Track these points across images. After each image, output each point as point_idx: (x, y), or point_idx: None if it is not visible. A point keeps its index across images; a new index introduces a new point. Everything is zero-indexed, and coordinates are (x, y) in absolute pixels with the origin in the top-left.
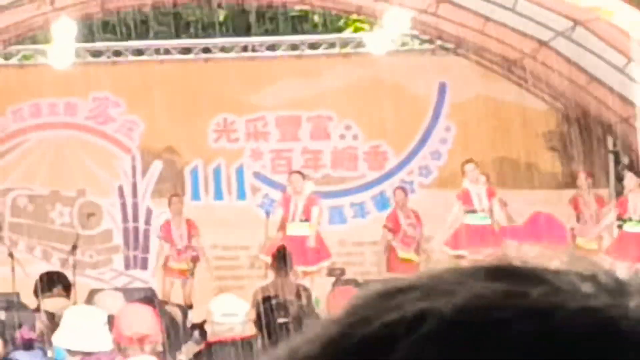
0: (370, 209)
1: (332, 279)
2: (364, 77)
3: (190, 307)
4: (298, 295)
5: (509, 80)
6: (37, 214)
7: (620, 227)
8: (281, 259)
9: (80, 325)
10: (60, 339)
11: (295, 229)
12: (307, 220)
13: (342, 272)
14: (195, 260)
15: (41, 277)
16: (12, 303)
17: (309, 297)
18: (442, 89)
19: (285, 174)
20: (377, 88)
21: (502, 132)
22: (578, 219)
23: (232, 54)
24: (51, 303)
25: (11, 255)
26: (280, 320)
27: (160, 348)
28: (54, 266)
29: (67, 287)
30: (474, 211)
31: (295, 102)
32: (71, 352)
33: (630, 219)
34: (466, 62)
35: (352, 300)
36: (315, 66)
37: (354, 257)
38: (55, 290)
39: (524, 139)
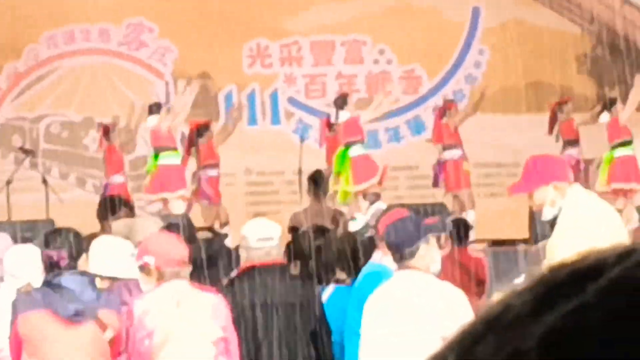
0: (405, 133)
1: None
2: (398, 1)
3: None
4: (334, 220)
5: (542, 4)
6: (71, 140)
7: None
8: (316, 183)
9: (108, 253)
10: (91, 265)
11: None
12: None
13: (377, 196)
14: None
15: (103, 201)
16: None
17: (345, 222)
18: (475, 12)
19: (320, 98)
20: (411, 12)
21: (535, 56)
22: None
23: None
24: (118, 225)
25: (45, 181)
26: (316, 244)
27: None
28: (89, 193)
29: (131, 208)
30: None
31: (329, 27)
32: (102, 278)
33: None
34: None
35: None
36: None
37: (389, 182)
38: (122, 212)
39: (557, 62)
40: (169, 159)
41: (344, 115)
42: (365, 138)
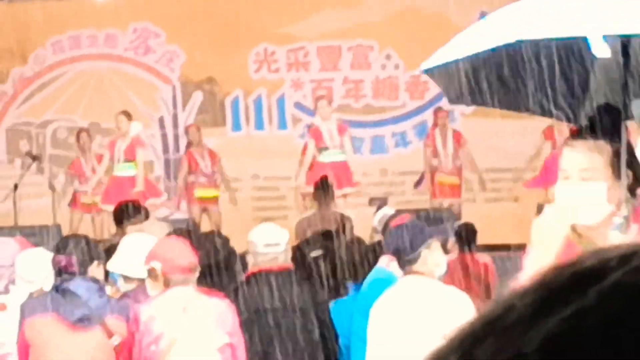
0: (411, 138)
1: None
2: (404, 6)
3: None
4: (341, 225)
5: None
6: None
7: None
8: (323, 189)
9: (137, 252)
10: (117, 265)
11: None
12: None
13: (384, 201)
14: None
15: (120, 205)
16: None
17: (351, 228)
18: (482, 17)
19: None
20: (418, 17)
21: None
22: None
23: None
24: (133, 229)
25: (52, 187)
26: (318, 252)
27: (195, 278)
28: None
29: (147, 213)
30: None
31: (336, 32)
32: (127, 279)
33: None
34: None
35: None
36: None
37: (395, 187)
38: (139, 217)
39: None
40: (123, 170)
41: (316, 120)
42: (325, 144)
